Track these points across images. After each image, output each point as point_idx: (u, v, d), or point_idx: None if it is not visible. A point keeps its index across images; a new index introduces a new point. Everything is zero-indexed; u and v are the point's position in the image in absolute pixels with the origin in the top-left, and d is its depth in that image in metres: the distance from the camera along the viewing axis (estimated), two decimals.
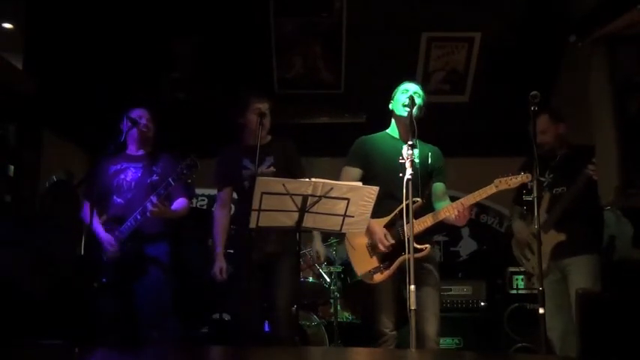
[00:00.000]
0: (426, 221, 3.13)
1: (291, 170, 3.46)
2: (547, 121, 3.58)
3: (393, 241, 3.11)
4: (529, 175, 3.06)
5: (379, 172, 3.23)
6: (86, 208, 3.56)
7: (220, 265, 3.55)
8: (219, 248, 3.60)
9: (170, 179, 3.31)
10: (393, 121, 3.39)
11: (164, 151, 3.74)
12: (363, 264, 3.19)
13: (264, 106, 3.52)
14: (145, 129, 3.62)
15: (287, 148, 3.65)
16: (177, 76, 5.30)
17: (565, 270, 3.48)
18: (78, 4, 4.63)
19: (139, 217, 3.38)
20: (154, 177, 3.55)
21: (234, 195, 3.75)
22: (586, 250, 3.45)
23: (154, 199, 3.31)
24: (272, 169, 3.49)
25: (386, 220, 3.18)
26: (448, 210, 3.12)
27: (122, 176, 3.60)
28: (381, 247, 3.12)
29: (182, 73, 5.29)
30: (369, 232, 3.15)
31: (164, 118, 3.82)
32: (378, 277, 3.14)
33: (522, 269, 3.88)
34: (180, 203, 3.60)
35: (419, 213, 3.13)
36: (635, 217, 4.34)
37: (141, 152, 3.70)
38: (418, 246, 3.05)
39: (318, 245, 3.71)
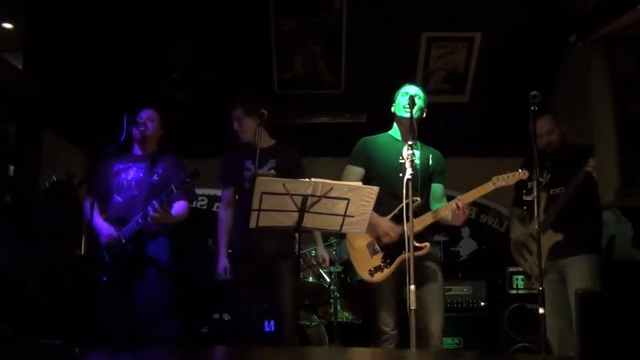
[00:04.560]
0: (425, 219, 3.15)
1: (293, 175, 3.45)
2: (552, 121, 3.58)
3: (398, 229, 3.11)
4: (526, 172, 3.07)
5: (381, 172, 3.24)
6: (87, 204, 3.56)
7: (224, 265, 3.61)
8: (222, 248, 3.65)
9: (173, 186, 3.31)
10: (395, 123, 3.40)
11: (167, 151, 3.74)
12: (364, 263, 3.19)
13: (235, 112, 3.66)
14: (144, 129, 3.61)
15: (290, 154, 3.70)
16: (177, 76, 5.30)
17: (563, 270, 3.48)
18: (78, 4, 4.63)
19: (140, 220, 3.38)
20: (155, 177, 3.55)
21: (236, 196, 3.78)
22: (584, 250, 3.45)
23: (155, 204, 3.31)
24: (272, 172, 3.52)
25: (386, 219, 3.19)
26: (447, 208, 3.14)
27: (123, 175, 3.60)
28: (391, 235, 3.11)
29: (182, 73, 5.29)
30: (373, 227, 3.13)
31: (164, 118, 3.82)
32: (379, 276, 3.15)
33: (522, 269, 3.89)
34: (180, 206, 3.59)
35: (418, 212, 3.15)
36: (635, 217, 4.34)
37: (144, 152, 3.69)
38: (418, 244, 3.07)
39: (322, 249, 3.97)
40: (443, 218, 3.18)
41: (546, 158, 3.56)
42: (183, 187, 3.32)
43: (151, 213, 3.30)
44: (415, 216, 3.09)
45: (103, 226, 3.49)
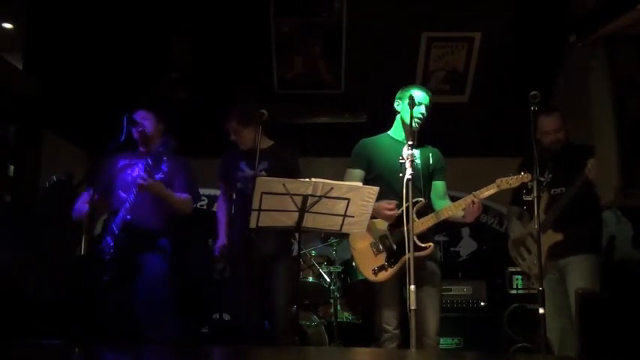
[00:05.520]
0: (430, 220, 3.15)
1: (287, 175, 3.44)
2: (560, 120, 3.59)
3: (396, 202, 3.12)
4: (530, 175, 3.08)
5: (382, 173, 3.25)
6: (83, 197, 3.56)
7: (223, 243, 3.64)
8: (222, 227, 3.69)
9: (149, 159, 3.33)
10: (396, 121, 3.39)
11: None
12: (368, 263, 3.20)
13: (230, 126, 3.63)
14: (142, 129, 3.61)
15: (286, 154, 3.69)
16: (177, 76, 5.30)
17: (563, 270, 3.48)
18: (78, 4, 4.63)
19: (127, 205, 3.40)
20: (159, 175, 3.55)
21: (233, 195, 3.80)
22: (583, 249, 3.45)
23: (141, 172, 3.32)
24: (263, 173, 3.51)
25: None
26: (451, 209, 3.14)
27: (129, 171, 3.61)
28: (392, 214, 3.13)
29: (182, 73, 5.29)
30: (375, 213, 3.13)
31: (164, 115, 3.82)
32: (383, 276, 3.16)
33: (520, 269, 3.89)
34: (183, 195, 3.61)
35: (423, 212, 3.17)
36: (635, 217, 4.34)
37: (149, 150, 3.70)
38: (422, 244, 3.09)
39: None
40: (452, 217, 3.18)
41: (548, 158, 3.56)
42: (159, 156, 3.32)
43: (139, 181, 3.31)
44: (419, 216, 3.14)
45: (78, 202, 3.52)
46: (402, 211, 3.02)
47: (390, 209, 3.15)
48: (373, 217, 3.10)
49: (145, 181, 3.32)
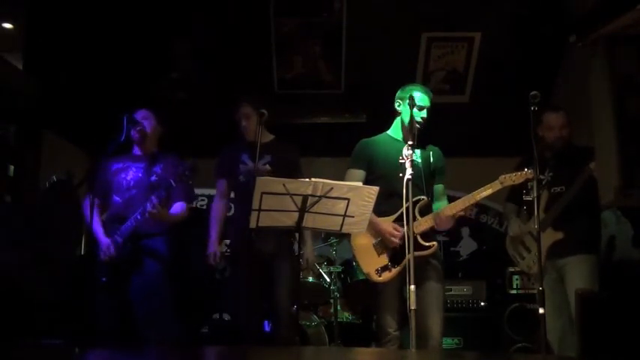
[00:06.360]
0: (430, 220, 3.16)
1: (288, 173, 3.45)
2: (566, 117, 3.59)
3: (402, 231, 3.10)
4: (532, 172, 3.06)
5: (383, 173, 3.24)
6: (86, 204, 3.54)
7: (213, 251, 3.63)
8: (213, 234, 3.68)
9: (171, 180, 3.31)
10: (396, 121, 3.40)
11: (166, 151, 3.74)
12: (371, 263, 3.19)
13: (244, 110, 3.63)
14: (141, 128, 3.61)
15: (288, 151, 3.69)
16: (177, 76, 5.30)
17: (562, 270, 3.48)
18: (78, 4, 4.63)
19: (139, 217, 3.38)
20: (153, 177, 3.54)
21: (232, 195, 3.79)
22: (582, 249, 3.45)
23: (154, 199, 3.30)
24: (267, 166, 3.52)
25: (391, 218, 3.20)
26: (453, 208, 3.13)
27: (122, 175, 3.59)
28: (395, 241, 3.12)
29: (182, 73, 5.29)
30: (378, 232, 3.17)
31: (164, 118, 3.82)
32: (387, 276, 3.15)
33: (519, 268, 3.89)
34: (178, 207, 3.59)
35: (425, 211, 3.17)
36: (635, 217, 4.33)
37: (144, 152, 3.69)
38: (425, 243, 3.10)
39: (309, 252, 3.83)
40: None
41: (549, 157, 3.56)
42: (181, 181, 3.31)
43: (149, 208, 3.30)
44: (422, 215, 3.14)
45: (101, 236, 3.49)
46: (406, 209, 3.01)
47: (395, 236, 3.13)
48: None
49: (157, 209, 3.32)
